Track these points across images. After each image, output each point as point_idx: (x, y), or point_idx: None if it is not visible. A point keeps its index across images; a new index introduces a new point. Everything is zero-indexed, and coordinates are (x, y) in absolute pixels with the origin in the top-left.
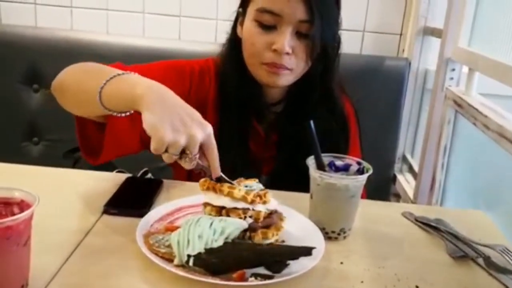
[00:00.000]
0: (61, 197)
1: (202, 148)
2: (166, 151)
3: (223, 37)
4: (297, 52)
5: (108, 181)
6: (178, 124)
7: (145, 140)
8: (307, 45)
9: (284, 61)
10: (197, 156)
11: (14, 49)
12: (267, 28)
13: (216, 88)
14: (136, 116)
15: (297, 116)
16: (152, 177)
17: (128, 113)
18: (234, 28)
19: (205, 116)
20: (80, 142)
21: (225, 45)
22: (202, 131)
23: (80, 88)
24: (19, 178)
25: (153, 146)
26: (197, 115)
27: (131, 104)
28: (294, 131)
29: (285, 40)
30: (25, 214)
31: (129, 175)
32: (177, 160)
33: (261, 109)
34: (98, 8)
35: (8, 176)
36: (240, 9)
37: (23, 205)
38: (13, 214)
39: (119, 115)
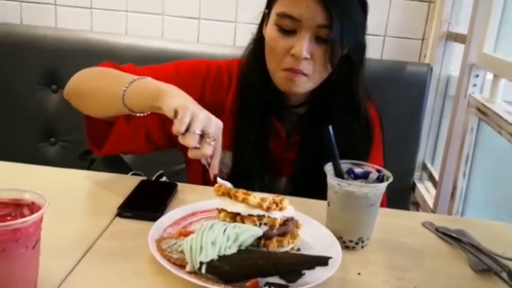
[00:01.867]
0: (75, 198)
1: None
2: (187, 130)
3: (241, 40)
4: (316, 58)
5: (123, 184)
6: (198, 107)
7: (153, 139)
8: (326, 50)
9: (301, 66)
10: (214, 141)
11: (34, 49)
12: (287, 32)
13: (236, 88)
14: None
15: (320, 118)
16: (167, 180)
17: (147, 113)
18: (260, 28)
19: (222, 116)
20: (87, 131)
21: (250, 45)
22: (216, 118)
23: (101, 92)
24: (34, 178)
25: (175, 123)
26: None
27: (155, 100)
28: (317, 133)
29: (303, 44)
30: (35, 216)
31: (144, 177)
32: (195, 144)
33: (283, 111)
34: (118, 10)
35: (23, 176)
36: (266, 10)
37: (33, 207)
38: (23, 216)
39: (139, 114)
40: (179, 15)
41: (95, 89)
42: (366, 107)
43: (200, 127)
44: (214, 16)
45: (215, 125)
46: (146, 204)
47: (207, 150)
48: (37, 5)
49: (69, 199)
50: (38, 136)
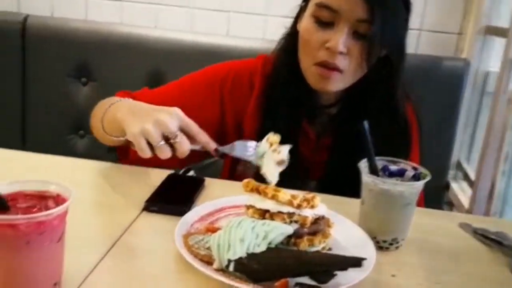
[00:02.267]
0: (102, 191)
1: (185, 132)
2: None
3: (272, 33)
4: (352, 53)
5: (150, 177)
6: (144, 119)
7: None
8: (364, 47)
9: (336, 61)
10: (178, 136)
11: (65, 42)
12: (324, 24)
13: (261, 88)
14: None
15: (354, 120)
16: (195, 175)
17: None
18: (294, 23)
19: (246, 118)
20: None
21: (281, 40)
22: (168, 113)
23: (95, 126)
24: (61, 170)
25: (139, 154)
26: (163, 107)
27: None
28: (350, 136)
29: (340, 38)
30: (59, 209)
31: (172, 171)
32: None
33: (313, 111)
34: (148, 3)
35: (50, 167)
36: (303, 3)
37: (58, 200)
38: (48, 209)
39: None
40: (208, 8)
41: (93, 126)
42: (404, 108)
43: (158, 138)
44: (244, 9)
45: (170, 121)
46: (173, 198)
47: (182, 148)
48: None
49: (95, 192)
50: (67, 129)
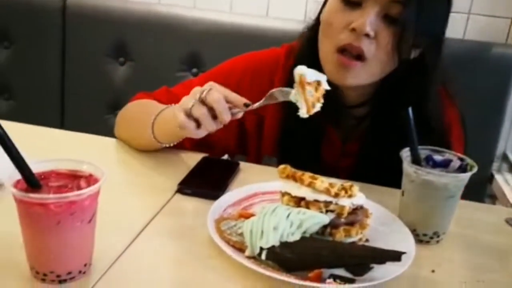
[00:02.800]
0: (135, 172)
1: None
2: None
3: (312, 15)
4: (380, 39)
5: (185, 160)
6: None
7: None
8: (395, 33)
9: (362, 44)
10: (205, 90)
11: (103, 21)
12: (351, 4)
13: (282, 85)
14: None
15: (383, 123)
16: (229, 159)
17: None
18: (320, 12)
19: (266, 118)
20: None
21: (305, 29)
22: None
23: (135, 135)
24: (97, 149)
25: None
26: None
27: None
28: (378, 140)
29: (368, 18)
30: (91, 189)
31: (206, 154)
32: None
33: (337, 112)
34: None
35: (87, 147)
36: None
37: (90, 180)
38: (80, 188)
39: (171, 144)
40: None
41: (130, 134)
42: (440, 112)
43: (190, 105)
44: None
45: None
46: (207, 182)
47: (213, 98)
48: None
49: (129, 172)
50: (104, 108)
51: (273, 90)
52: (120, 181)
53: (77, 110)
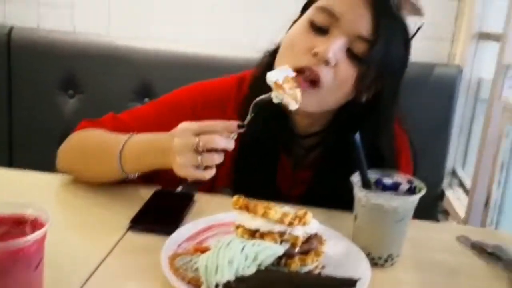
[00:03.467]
0: (86, 210)
1: (204, 133)
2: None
3: (263, 41)
4: (339, 70)
5: (136, 194)
6: (170, 155)
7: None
8: (355, 68)
9: (320, 70)
10: (201, 141)
11: (51, 54)
12: (319, 30)
13: (234, 115)
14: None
15: (334, 150)
16: (183, 191)
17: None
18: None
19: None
20: None
21: (263, 57)
22: (177, 135)
23: (94, 168)
24: (46, 188)
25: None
26: (171, 133)
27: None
28: (330, 168)
29: (332, 45)
30: (36, 235)
31: (159, 187)
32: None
33: (288, 140)
34: (137, 13)
35: (35, 186)
36: (299, 15)
37: (36, 224)
38: (25, 235)
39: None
40: (198, 18)
41: (83, 165)
42: (393, 143)
43: (194, 158)
44: (234, 18)
45: (186, 138)
46: (160, 217)
47: (212, 143)
48: (54, 9)
49: (80, 211)
50: (54, 142)
51: (254, 102)
52: (69, 220)
53: (26, 145)
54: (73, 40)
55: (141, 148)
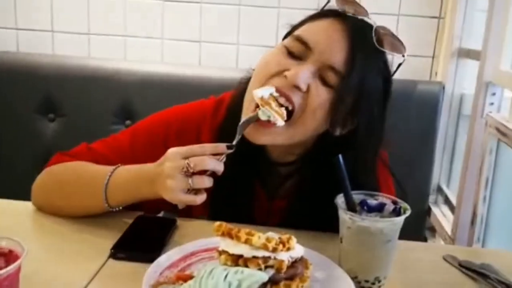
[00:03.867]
0: (66, 238)
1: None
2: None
3: (244, 62)
4: (311, 95)
5: (117, 220)
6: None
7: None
8: (329, 97)
9: (291, 93)
10: (191, 163)
11: (31, 77)
12: (293, 56)
13: (211, 134)
14: None
15: (312, 177)
16: (166, 215)
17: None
18: None
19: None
20: None
21: (240, 83)
22: (166, 161)
23: (75, 203)
24: (24, 216)
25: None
26: (159, 162)
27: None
28: (307, 196)
29: (302, 71)
30: (10, 269)
31: (140, 213)
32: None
33: (261, 169)
34: (116, 35)
35: (13, 214)
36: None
37: (10, 257)
38: None
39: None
40: (179, 38)
41: (62, 201)
42: (376, 174)
43: (185, 182)
44: (216, 39)
45: (174, 162)
46: (142, 243)
47: (201, 165)
48: (34, 32)
49: (59, 239)
50: (34, 167)
51: (241, 122)
52: (48, 248)
53: (5, 172)
54: (52, 62)
55: (128, 179)
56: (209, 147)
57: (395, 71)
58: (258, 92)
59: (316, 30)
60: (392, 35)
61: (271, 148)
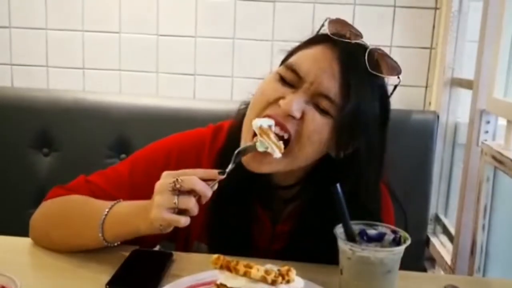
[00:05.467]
0: (60, 274)
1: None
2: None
3: (239, 94)
4: (307, 122)
5: (112, 254)
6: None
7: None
8: (326, 123)
9: (286, 122)
10: (177, 183)
11: (25, 112)
12: (285, 83)
13: (211, 162)
14: None
15: (315, 201)
16: (162, 249)
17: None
18: None
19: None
20: None
21: (239, 109)
22: (157, 187)
23: (69, 242)
24: (17, 252)
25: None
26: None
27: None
28: (311, 220)
29: (296, 99)
30: None
31: (136, 247)
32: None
33: (265, 193)
34: (111, 69)
35: (6, 249)
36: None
37: None
38: None
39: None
40: (173, 71)
41: (60, 237)
42: (378, 197)
43: (171, 199)
44: (210, 72)
45: (164, 184)
46: (138, 278)
47: (189, 185)
48: (28, 67)
49: (53, 275)
50: (28, 202)
51: (237, 151)
52: (42, 284)
53: None
54: (47, 97)
55: (126, 213)
56: (200, 171)
57: (392, 92)
58: (257, 122)
59: (306, 59)
60: (387, 55)
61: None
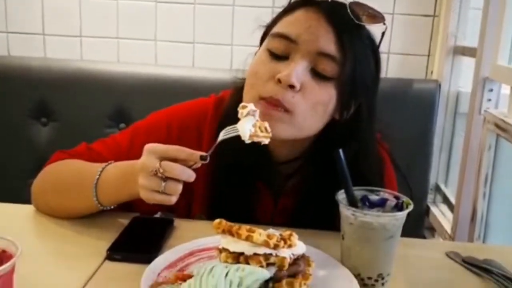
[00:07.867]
0: (61, 239)
1: (168, 158)
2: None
3: (238, 63)
4: (307, 93)
5: (113, 221)
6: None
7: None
8: (324, 89)
9: (284, 96)
10: (161, 167)
11: (23, 81)
12: (278, 57)
13: (213, 133)
14: None
15: (316, 178)
16: (163, 216)
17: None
18: None
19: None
20: None
21: (235, 81)
22: (142, 158)
23: (68, 206)
24: (18, 218)
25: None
26: (140, 161)
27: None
28: (312, 195)
29: (294, 69)
30: (4, 268)
31: (137, 214)
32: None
33: (267, 168)
34: (108, 37)
35: (7, 216)
36: (258, 47)
37: (4, 256)
38: None
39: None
40: (172, 39)
41: (60, 202)
42: (379, 161)
43: (160, 186)
44: (209, 40)
45: (148, 162)
46: (138, 244)
47: (172, 171)
48: (25, 35)
49: (53, 241)
50: (28, 172)
51: (223, 138)
52: (44, 250)
53: None
54: (45, 66)
55: (117, 176)
56: (184, 153)
57: (380, 40)
58: (245, 130)
59: (291, 23)
60: (366, 5)
61: (273, 145)
